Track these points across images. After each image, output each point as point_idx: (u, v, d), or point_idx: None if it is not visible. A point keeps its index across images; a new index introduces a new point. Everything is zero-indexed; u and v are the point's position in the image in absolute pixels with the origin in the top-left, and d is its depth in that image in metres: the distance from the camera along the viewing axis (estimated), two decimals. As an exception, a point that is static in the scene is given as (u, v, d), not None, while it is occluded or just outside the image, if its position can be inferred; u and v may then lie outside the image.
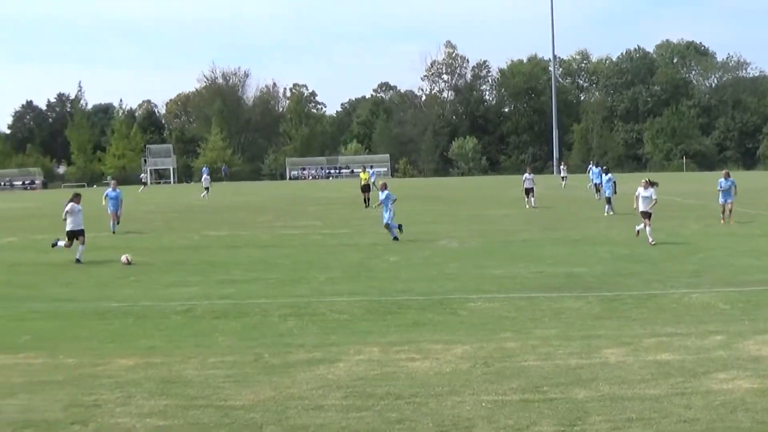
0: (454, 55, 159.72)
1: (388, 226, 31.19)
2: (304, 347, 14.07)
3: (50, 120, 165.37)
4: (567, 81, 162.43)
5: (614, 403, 10.63)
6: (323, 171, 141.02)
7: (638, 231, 29.47)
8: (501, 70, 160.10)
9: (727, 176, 36.49)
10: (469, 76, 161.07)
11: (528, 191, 48.38)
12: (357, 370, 12.56)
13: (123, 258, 25.62)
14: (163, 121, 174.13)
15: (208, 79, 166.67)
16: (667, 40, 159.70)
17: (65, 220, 27.10)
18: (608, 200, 42.08)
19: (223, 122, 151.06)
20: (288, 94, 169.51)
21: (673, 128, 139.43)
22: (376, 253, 27.45)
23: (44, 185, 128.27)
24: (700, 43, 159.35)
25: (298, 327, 15.90)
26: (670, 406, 10.47)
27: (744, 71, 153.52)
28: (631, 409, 10.40)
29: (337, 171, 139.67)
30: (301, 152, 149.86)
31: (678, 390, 11.18)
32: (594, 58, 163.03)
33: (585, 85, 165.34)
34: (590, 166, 62.74)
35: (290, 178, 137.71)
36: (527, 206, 47.46)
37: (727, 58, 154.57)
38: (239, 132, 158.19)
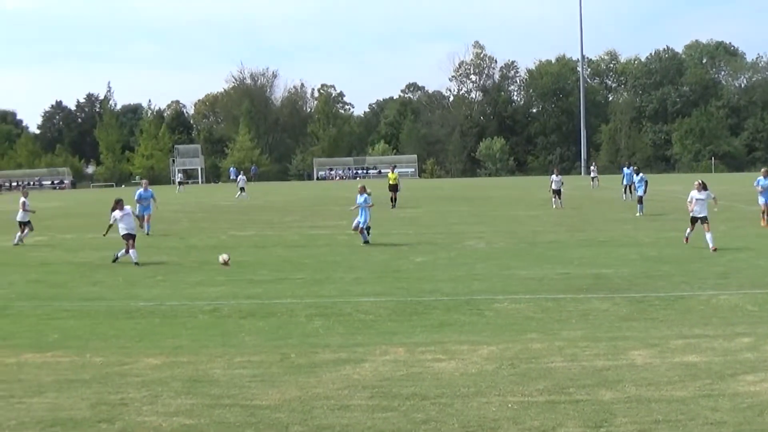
0: (482, 55, 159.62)
1: (360, 229, 30.69)
2: (330, 347, 14.09)
3: (79, 120, 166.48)
4: (595, 81, 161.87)
5: (640, 405, 10.59)
6: (350, 171, 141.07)
7: (687, 237, 27.73)
8: (529, 71, 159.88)
9: (766, 174, 34.60)
10: (497, 76, 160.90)
11: (556, 192, 48.44)
12: (383, 370, 12.57)
13: (221, 258, 25.72)
14: (191, 122, 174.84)
15: (236, 80, 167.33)
16: (696, 41, 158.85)
17: (115, 222, 26.74)
18: (640, 200, 41.90)
19: (251, 122, 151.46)
20: (316, 94, 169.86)
21: (702, 129, 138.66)
22: (403, 254, 27.45)
23: (73, 185, 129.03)
24: (730, 43, 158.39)
25: (325, 327, 15.93)
26: (696, 409, 10.42)
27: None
28: (657, 411, 10.36)
29: (365, 171, 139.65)
30: (328, 153, 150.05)
31: (705, 392, 11.13)
32: (622, 59, 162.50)
33: (613, 85, 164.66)
34: (623, 167, 62.40)
35: (317, 179, 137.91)
36: (553, 206, 47.53)
37: (756, 58, 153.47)
38: (267, 132, 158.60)
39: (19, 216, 33.24)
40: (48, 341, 15.02)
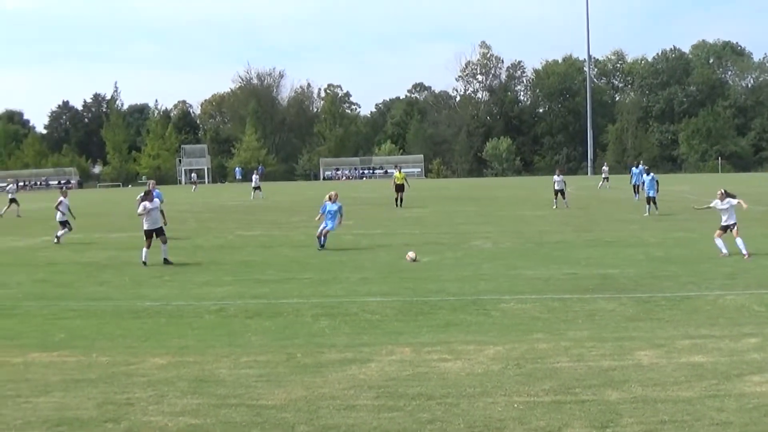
0: (488, 55, 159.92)
1: (325, 233, 29.28)
2: (336, 347, 14.10)
3: (86, 120, 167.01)
4: (602, 81, 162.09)
5: (646, 405, 10.58)
6: (357, 171, 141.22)
7: (720, 249, 25.40)
8: (536, 71, 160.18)
9: None
10: (503, 76, 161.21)
11: (558, 192, 48.55)
12: (389, 370, 12.57)
13: (409, 255, 25.78)
14: (198, 122, 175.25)
15: (243, 80, 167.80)
16: (703, 40, 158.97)
17: (140, 216, 26.62)
18: (653, 200, 41.82)
19: (258, 122, 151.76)
20: (322, 94, 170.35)
21: (709, 129, 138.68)
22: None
23: (80, 185, 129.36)
24: (737, 43, 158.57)
25: (331, 327, 15.93)
26: (703, 409, 10.41)
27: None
28: (663, 411, 10.35)
29: (371, 171, 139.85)
30: (335, 152, 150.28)
31: (711, 392, 11.11)
32: (629, 59, 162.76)
33: (620, 85, 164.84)
34: (632, 167, 62.20)
35: (324, 179, 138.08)
36: (554, 206, 47.69)
37: (764, 58, 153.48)
38: (273, 132, 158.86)
39: (59, 216, 33.58)
40: (54, 341, 15.05)
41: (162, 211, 27.52)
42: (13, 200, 52.67)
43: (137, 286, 21.59)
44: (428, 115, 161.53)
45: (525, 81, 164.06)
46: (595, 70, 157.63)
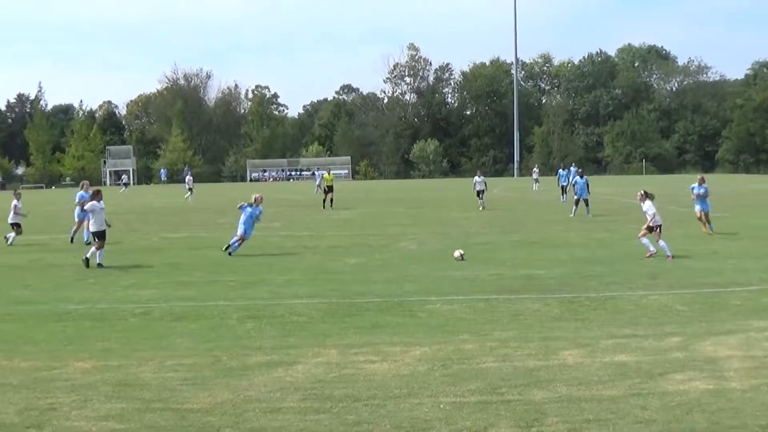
0: (417, 57, 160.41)
1: (242, 239, 28.12)
2: (262, 350, 14.02)
3: (9, 120, 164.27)
4: (529, 84, 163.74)
5: (571, 404, 10.67)
6: (284, 173, 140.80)
7: (651, 252, 25.43)
8: (463, 73, 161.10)
9: (701, 182, 33.03)
10: (431, 78, 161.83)
11: (479, 193, 48.94)
12: (315, 372, 12.53)
13: (457, 253, 25.61)
14: (123, 123, 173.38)
15: (169, 80, 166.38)
16: (628, 44, 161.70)
17: (86, 219, 26.16)
18: (586, 201, 42.22)
19: (184, 123, 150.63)
20: (250, 95, 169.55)
21: (633, 131, 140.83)
22: (336, 256, 27.41)
23: (2, 186, 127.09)
24: (662, 47, 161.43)
25: (257, 329, 15.83)
26: (626, 407, 10.52)
27: (704, 75, 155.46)
28: (588, 410, 10.45)
29: (298, 173, 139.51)
30: (262, 154, 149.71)
31: (635, 391, 11.25)
32: (556, 62, 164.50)
33: (547, 88, 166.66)
34: (559, 169, 62.79)
35: (251, 180, 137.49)
36: (480, 208, 47.88)
37: (687, 62, 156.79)
38: (200, 133, 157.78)
39: (11, 218, 33.09)
40: (-25, 345, 14.76)
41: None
42: None
43: (61, 289, 21.26)
44: (356, 116, 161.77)
45: (453, 83, 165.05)
46: (522, 72, 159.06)
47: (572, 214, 41.75)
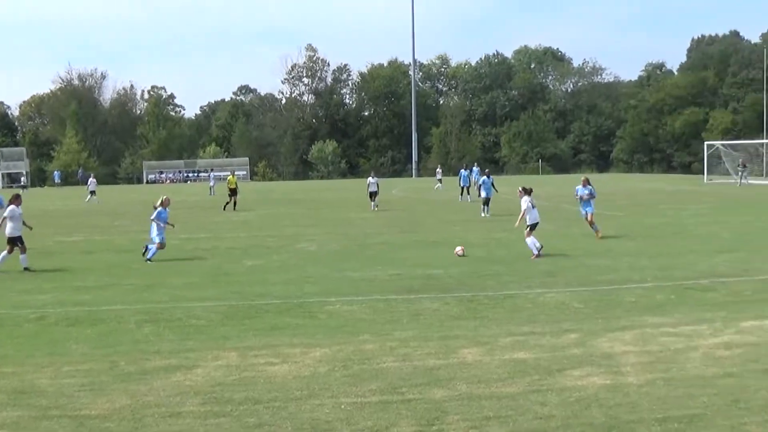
0: (315, 58, 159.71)
1: (160, 245, 27.26)
2: (161, 354, 13.83)
3: None
4: (427, 85, 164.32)
5: (471, 402, 10.74)
6: (181, 174, 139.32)
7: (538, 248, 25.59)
8: (361, 74, 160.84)
9: (585, 183, 31.39)
10: (329, 79, 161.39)
11: (372, 195, 48.95)
12: (215, 375, 12.40)
13: (458, 249, 25.21)
14: (16, 124, 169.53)
15: (63, 81, 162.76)
16: (525, 46, 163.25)
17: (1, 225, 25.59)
18: (487, 201, 42.59)
19: (79, 124, 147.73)
20: (146, 96, 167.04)
21: (530, 132, 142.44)
22: (234, 258, 27.20)
23: None
24: (557, 48, 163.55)
25: (155, 333, 15.61)
26: (526, 404, 10.63)
27: (599, 77, 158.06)
28: (488, 407, 10.52)
29: (196, 174, 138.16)
30: (158, 155, 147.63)
31: (534, 387, 11.37)
32: (453, 63, 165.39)
33: (444, 89, 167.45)
34: (461, 170, 63.01)
35: (147, 182, 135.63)
36: (373, 209, 48.00)
37: (582, 63, 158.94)
38: (95, 135, 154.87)
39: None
40: None
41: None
42: None
43: (-50, 295, 20.71)
44: (254, 117, 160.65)
45: (351, 84, 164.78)
46: (420, 74, 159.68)
47: (484, 214, 42.06)
